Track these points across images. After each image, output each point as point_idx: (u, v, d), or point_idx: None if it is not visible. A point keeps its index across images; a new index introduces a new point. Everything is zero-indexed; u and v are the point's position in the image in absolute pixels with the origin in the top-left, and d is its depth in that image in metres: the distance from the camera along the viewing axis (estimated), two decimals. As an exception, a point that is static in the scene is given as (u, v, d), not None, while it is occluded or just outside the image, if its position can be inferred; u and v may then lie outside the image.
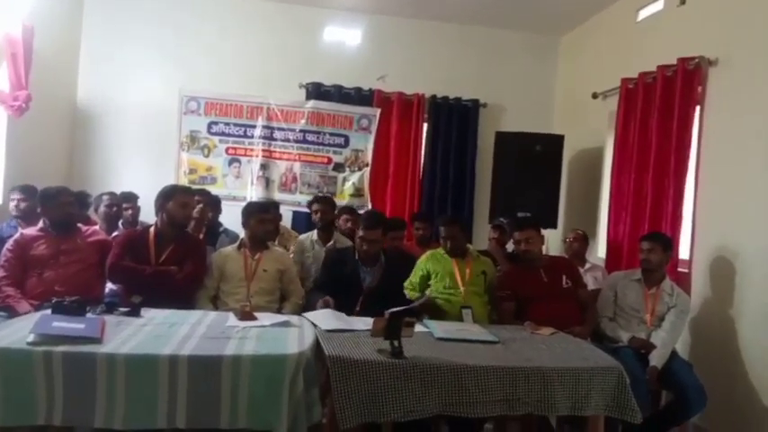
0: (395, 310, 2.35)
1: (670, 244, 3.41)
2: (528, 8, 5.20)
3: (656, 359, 3.05)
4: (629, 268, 3.69)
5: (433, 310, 3.22)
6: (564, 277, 3.39)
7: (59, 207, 3.16)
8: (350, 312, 3.03)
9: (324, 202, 4.30)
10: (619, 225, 4.30)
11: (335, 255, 3.62)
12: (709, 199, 3.64)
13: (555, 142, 4.91)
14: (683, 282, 3.58)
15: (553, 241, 4.85)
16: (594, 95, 4.94)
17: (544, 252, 3.85)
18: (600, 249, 4.73)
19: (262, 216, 3.41)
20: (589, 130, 5.14)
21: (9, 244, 3.08)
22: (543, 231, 3.70)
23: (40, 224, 3.19)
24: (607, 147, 4.84)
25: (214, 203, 4.16)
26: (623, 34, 4.76)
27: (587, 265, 4.20)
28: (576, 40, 5.61)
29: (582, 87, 5.21)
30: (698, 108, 3.79)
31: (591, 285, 3.84)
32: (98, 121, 5.25)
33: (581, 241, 4.26)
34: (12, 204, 3.75)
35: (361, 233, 3.38)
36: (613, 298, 3.39)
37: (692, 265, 3.66)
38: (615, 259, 4.29)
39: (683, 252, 3.77)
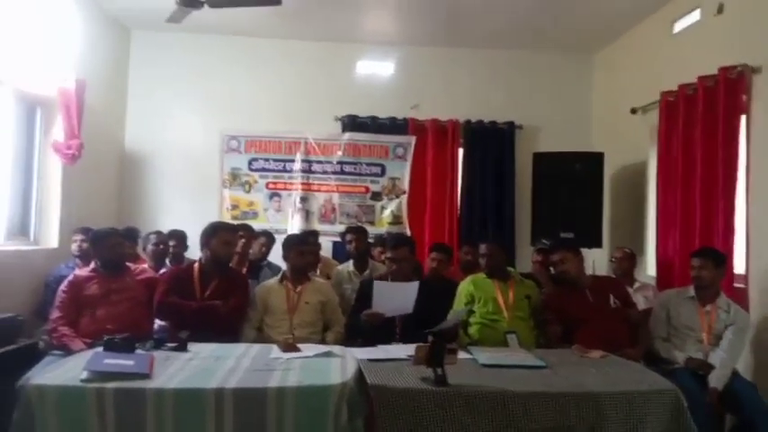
0: (428, 331, 2.33)
1: (723, 259, 3.27)
2: (558, 28, 5.18)
3: (716, 380, 2.89)
4: (681, 286, 3.54)
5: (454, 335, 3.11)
6: (611, 297, 3.28)
7: (109, 248, 3.30)
8: (389, 341, 3.01)
9: (356, 231, 4.35)
10: (668, 242, 4.15)
11: (370, 282, 3.61)
12: (762, 210, 3.48)
13: (595, 160, 4.82)
14: (741, 298, 3.41)
15: (600, 260, 4.71)
16: (633, 110, 4.84)
17: (591, 272, 3.75)
18: (649, 267, 4.57)
19: (300, 248, 3.48)
20: (630, 146, 5.03)
21: (64, 285, 3.22)
22: (589, 251, 3.61)
23: (92, 265, 3.32)
24: (650, 162, 4.72)
25: (267, 239, 4.29)
26: (659, 47, 4.68)
27: (636, 284, 4.06)
28: (611, 56, 5.55)
29: (620, 103, 5.12)
30: (743, 117, 3.66)
31: (641, 305, 3.71)
32: (145, 164, 5.50)
33: (628, 260, 4.13)
34: (74, 246, 3.96)
35: (387, 254, 3.43)
36: (666, 317, 3.26)
37: (749, 281, 3.49)
38: (666, 277, 4.13)
39: (739, 267, 3.60)
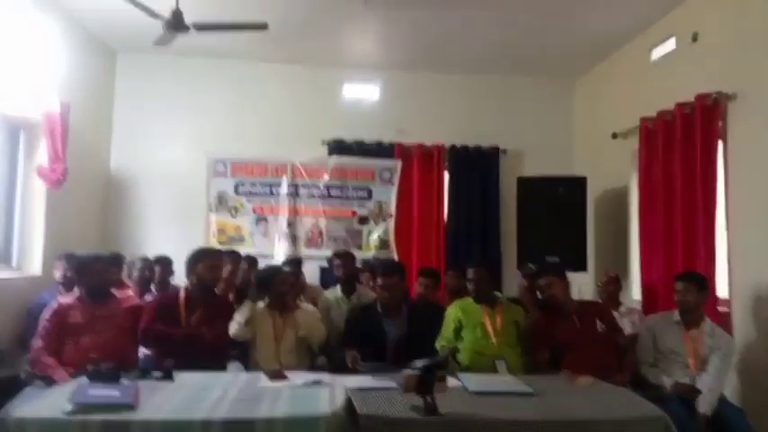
0: (419, 362, 2.31)
1: (705, 283, 3.32)
2: (540, 54, 5.31)
3: (705, 405, 2.92)
4: (666, 310, 3.58)
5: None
6: (598, 322, 3.30)
7: (94, 275, 3.23)
8: (376, 368, 2.99)
9: (344, 256, 4.33)
10: (651, 266, 4.21)
11: (358, 311, 3.60)
12: (742, 234, 3.56)
13: (578, 184, 4.90)
14: (724, 322, 3.46)
15: (585, 285, 4.76)
16: (614, 135, 4.95)
17: (577, 297, 3.78)
18: (635, 291, 4.62)
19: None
20: (612, 171, 5.13)
21: (47, 313, 3.15)
22: (574, 275, 3.64)
23: (76, 292, 3.27)
24: (632, 186, 4.81)
25: (251, 264, 4.24)
26: (638, 74, 4.81)
27: (622, 309, 4.09)
28: (592, 82, 5.68)
29: (601, 128, 5.23)
30: (720, 143, 3.76)
31: (628, 330, 3.73)
32: (130, 188, 5.46)
33: (614, 284, 4.18)
34: (57, 273, 3.88)
35: (378, 281, 3.41)
36: (652, 342, 3.29)
37: (732, 304, 3.54)
38: (651, 301, 4.18)
39: (722, 290, 3.66)
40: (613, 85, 5.26)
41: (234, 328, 3.20)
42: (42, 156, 4.19)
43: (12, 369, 3.15)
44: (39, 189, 4.27)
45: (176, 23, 3.89)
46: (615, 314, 3.78)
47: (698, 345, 3.16)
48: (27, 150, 4.31)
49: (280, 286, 3.34)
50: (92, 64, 5.09)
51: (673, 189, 4.00)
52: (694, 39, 4.06)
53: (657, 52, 4.55)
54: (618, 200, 5.06)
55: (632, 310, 4.16)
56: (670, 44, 4.39)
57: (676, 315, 3.28)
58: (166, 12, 3.84)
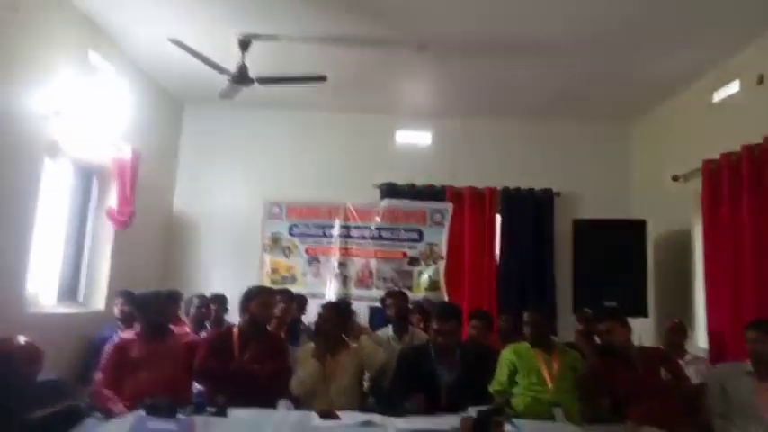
0: (476, 408, 2.25)
1: (779, 331, 3.10)
2: (597, 99, 5.30)
3: (783, 463, 2.68)
4: (735, 359, 3.36)
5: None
6: (662, 370, 3.13)
7: (152, 312, 3.36)
8: (430, 412, 2.92)
9: (396, 296, 4.30)
10: (719, 312, 3.98)
11: (410, 353, 3.46)
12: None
13: (637, 227, 4.75)
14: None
15: (646, 331, 4.54)
16: (675, 178, 4.80)
17: (637, 344, 3.61)
18: (700, 339, 4.37)
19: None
20: (673, 214, 4.95)
21: (109, 348, 3.28)
22: (634, 321, 3.49)
23: (136, 328, 3.39)
24: (694, 229, 4.62)
25: (300, 303, 4.28)
26: (699, 116, 4.70)
27: (688, 357, 3.87)
28: (650, 125, 5.58)
29: (660, 171, 5.10)
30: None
31: (694, 379, 3.51)
32: (191, 230, 5.71)
33: (678, 331, 3.97)
34: (116, 309, 4.04)
35: (434, 325, 3.29)
36: (721, 393, 3.07)
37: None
38: (719, 350, 3.93)
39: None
40: (673, 127, 5.15)
41: (295, 384, 3.20)
42: (112, 199, 4.45)
43: (73, 400, 3.26)
44: (107, 229, 4.52)
45: (241, 77, 4.13)
46: (680, 363, 3.57)
47: (774, 398, 2.93)
48: (98, 193, 4.60)
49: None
50: (160, 114, 5.44)
51: (741, 232, 3.81)
52: (760, 81, 3.94)
53: (720, 94, 4.43)
54: (679, 244, 4.86)
55: (698, 358, 3.93)
56: (734, 86, 4.28)
57: (748, 365, 3.07)
58: (232, 67, 4.08)
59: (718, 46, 4.18)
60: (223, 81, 4.21)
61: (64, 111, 3.76)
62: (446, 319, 3.28)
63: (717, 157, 4.16)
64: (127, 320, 3.89)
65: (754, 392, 2.98)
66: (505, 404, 3.09)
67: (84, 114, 4.04)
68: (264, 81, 4.20)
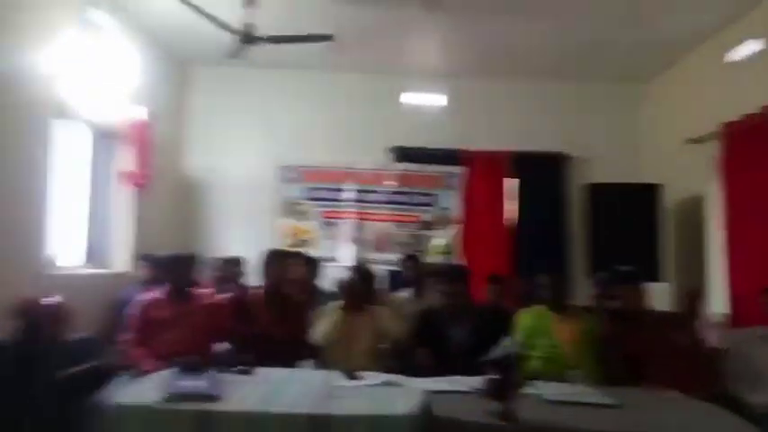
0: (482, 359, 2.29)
1: (798, 296, 3.12)
2: (609, 59, 5.20)
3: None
4: (757, 324, 3.38)
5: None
6: (679, 334, 3.17)
7: (175, 274, 3.41)
8: (442, 371, 2.99)
9: (413, 259, 4.38)
10: (738, 276, 3.99)
11: (423, 314, 3.58)
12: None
13: (651, 191, 4.73)
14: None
15: (662, 295, 4.57)
16: (689, 141, 4.74)
17: (651, 307, 3.64)
18: (716, 304, 4.40)
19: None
20: (687, 178, 4.91)
21: (134, 308, 3.34)
22: (648, 285, 3.51)
23: (162, 288, 3.45)
24: (709, 193, 4.59)
25: (313, 266, 4.33)
26: (714, 77, 4.60)
27: (705, 322, 3.90)
28: (663, 86, 5.48)
29: (674, 134, 5.02)
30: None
31: (711, 344, 3.55)
32: (203, 193, 5.74)
33: (696, 296, 3.99)
34: (142, 272, 4.13)
35: (442, 287, 3.38)
36: (742, 357, 3.11)
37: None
38: (741, 314, 3.96)
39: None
40: (686, 89, 5.05)
41: (318, 335, 3.28)
42: (128, 161, 4.46)
43: (101, 358, 3.35)
44: (126, 192, 4.54)
45: (248, 36, 4.06)
46: (697, 327, 3.61)
47: (793, 362, 2.97)
48: (116, 156, 4.59)
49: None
50: (167, 75, 5.38)
51: (761, 195, 3.78)
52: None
53: (737, 53, 4.32)
54: (693, 208, 4.84)
55: (715, 323, 3.96)
56: (752, 45, 4.15)
57: (767, 330, 3.10)
58: (239, 25, 4.01)
59: (733, 2, 4.05)
60: (230, 40, 4.14)
61: (70, 71, 3.73)
62: (453, 281, 3.39)
63: (732, 119, 4.08)
64: (151, 284, 3.94)
65: (772, 356, 3.02)
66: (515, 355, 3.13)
67: (91, 75, 3.99)
68: (271, 40, 4.12)
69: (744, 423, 2.31)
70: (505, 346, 3.00)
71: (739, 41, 4.26)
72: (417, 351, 3.18)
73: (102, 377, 3.01)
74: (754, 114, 3.95)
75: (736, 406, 2.92)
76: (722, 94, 4.46)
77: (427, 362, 3.11)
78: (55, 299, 2.85)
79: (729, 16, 4.26)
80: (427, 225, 5.36)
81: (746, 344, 3.13)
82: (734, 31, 4.33)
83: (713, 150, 4.36)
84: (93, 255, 4.38)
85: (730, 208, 4.13)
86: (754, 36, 4.11)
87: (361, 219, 5.26)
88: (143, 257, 4.15)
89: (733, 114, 4.09)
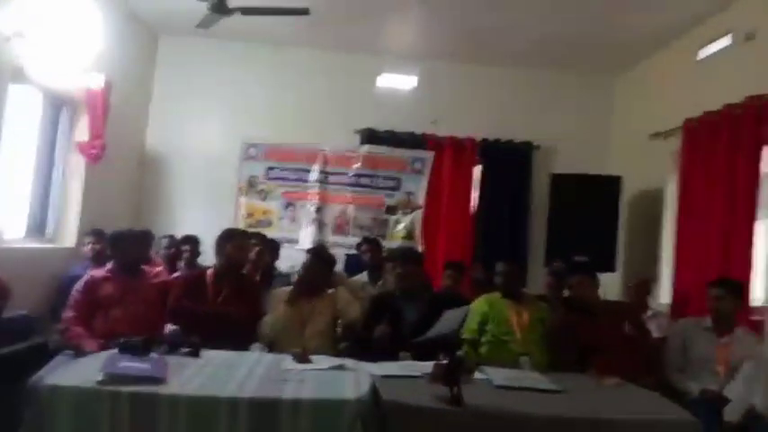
0: (419, 340, 2.30)
1: (741, 290, 3.23)
2: (581, 49, 5.22)
3: (732, 414, 2.82)
4: (697, 315, 3.50)
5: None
6: (626, 324, 3.24)
7: (126, 250, 3.30)
8: (393, 351, 3.00)
9: (372, 242, 4.38)
10: (684, 269, 4.12)
11: (378, 296, 3.62)
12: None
13: (612, 183, 4.81)
14: (758, 330, 3.35)
15: (612, 286, 4.68)
16: (654, 135, 4.82)
17: (603, 297, 3.72)
18: (663, 295, 4.52)
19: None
20: (648, 171, 5.01)
21: (79, 285, 3.22)
22: (602, 275, 3.58)
23: (108, 265, 3.33)
24: (668, 188, 4.69)
25: (272, 248, 4.26)
26: (684, 73, 4.68)
27: (650, 312, 4.01)
28: (633, 80, 5.55)
29: (640, 127, 5.11)
30: (766, 148, 3.64)
31: (655, 333, 3.66)
32: (164, 168, 5.56)
33: (643, 287, 4.09)
34: (87, 248, 3.95)
35: (397, 269, 3.40)
36: (681, 347, 3.22)
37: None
38: (681, 306, 4.09)
39: (756, 299, 3.56)
40: (656, 83, 5.13)
41: (267, 326, 3.23)
42: (82, 131, 4.27)
43: (42, 337, 3.23)
44: (77, 163, 4.36)
45: (220, 6, 3.92)
46: (643, 317, 3.71)
47: (728, 352, 3.07)
48: (69, 125, 4.40)
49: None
50: (134, 44, 5.17)
51: (713, 192, 3.89)
52: (749, 38, 3.90)
53: (706, 51, 4.38)
54: (652, 201, 4.95)
55: (659, 313, 4.08)
56: (721, 42, 4.21)
57: (708, 321, 3.21)
58: (211, -5, 3.87)
59: (706, 1, 4.10)
60: (201, 10, 4.00)
61: (29, 33, 3.53)
62: (405, 263, 3.41)
63: (699, 115, 4.17)
64: (98, 260, 3.81)
65: (712, 346, 3.12)
66: (470, 354, 3.20)
67: (52, 38, 3.80)
68: (245, 11, 4.00)
69: (680, 409, 2.38)
70: (446, 319, 3.06)
71: (709, 40, 4.33)
72: (376, 328, 3.16)
73: (40, 357, 2.89)
74: (713, 112, 4.03)
75: (674, 393, 3.04)
76: (689, 90, 4.54)
77: (384, 339, 3.11)
78: (-9, 273, 2.71)
79: (700, 15, 4.32)
80: (391, 209, 5.32)
81: (688, 334, 3.23)
82: (704, 29, 4.40)
83: (675, 146, 4.44)
84: (37, 228, 4.20)
85: (683, 202, 4.23)
86: (723, 35, 4.18)
87: (323, 201, 5.19)
88: (91, 233, 3.99)
89: (698, 111, 4.17)
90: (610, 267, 4.66)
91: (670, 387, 3.11)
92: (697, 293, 3.87)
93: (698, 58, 4.47)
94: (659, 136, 4.79)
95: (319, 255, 3.58)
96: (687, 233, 4.13)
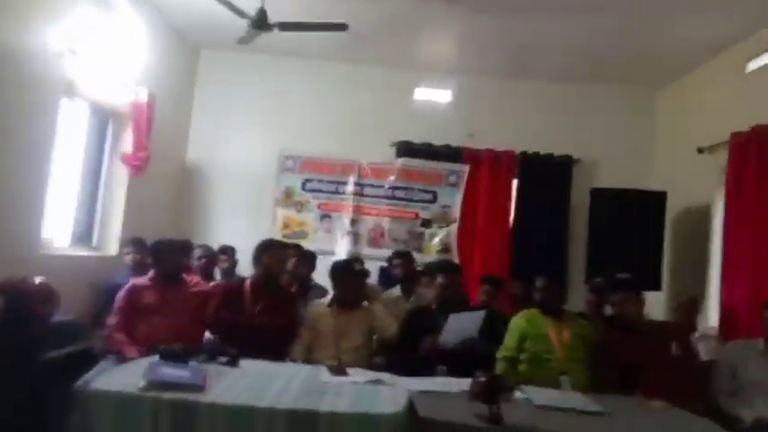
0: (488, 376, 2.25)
1: (797, 311, 3.06)
2: (624, 63, 5.12)
3: (789, 444, 2.69)
4: (747, 338, 3.34)
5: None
6: (673, 345, 3.12)
7: (169, 259, 3.37)
8: (431, 369, 2.95)
9: (404, 256, 4.37)
10: (734, 289, 3.93)
11: (414, 311, 3.60)
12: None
13: (656, 199, 4.67)
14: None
15: (657, 305, 4.52)
16: (700, 150, 4.67)
17: (647, 317, 3.59)
18: (711, 316, 4.34)
19: (347, 276, 3.48)
20: (694, 187, 4.84)
21: (122, 293, 3.29)
22: (646, 294, 3.46)
23: (150, 274, 3.40)
24: (716, 204, 4.53)
25: (309, 259, 4.28)
26: (730, 86, 4.53)
27: (698, 333, 3.85)
28: (677, 93, 5.40)
29: (685, 142, 4.95)
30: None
31: (703, 355, 3.50)
32: (203, 179, 5.66)
33: (691, 307, 3.94)
34: (127, 257, 4.03)
35: (439, 279, 3.41)
36: (732, 371, 3.07)
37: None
38: (730, 327, 3.91)
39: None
40: (701, 96, 4.97)
41: (296, 354, 3.24)
42: (127, 143, 4.40)
43: (87, 343, 3.31)
44: (121, 174, 4.49)
45: (261, 22, 4.01)
46: (691, 338, 3.56)
47: (785, 378, 2.92)
48: (114, 137, 4.54)
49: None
50: (176, 58, 5.31)
51: (763, 208, 3.72)
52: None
53: (753, 65, 4.25)
54: (699, 218, 4.77)
55: (708, 335, 3.91)
56: (765, 58, 4.09)
57: (761, 344, 3.06)
58: (252, 10, 3.95)
59: (754, 13, 3.98)
60: (242, 26, 4.09)
61: (80, 49, 3.67)
62: (450, 273, 3.44)
63: (747, 129, 4.02)
64: (138, 269, 3.89)
65: (766, 371, 2.97)
66: (509, 372, 3.13)
67: (101, 54, 3.94)
68: (284, 27, 4.07)
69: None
70: (459, 326, 3.04)
71: (756, 53, 4.19)
72: (423, 339, 3.16)
73: (85, 362, 2.96)
74: (761, 125, 3.89)
75: (724, 419, 2.89)
76: (737, 104, 4.39)
77: (430, 351, 3.10)
78: (40, 279, 2.79)
79: (747, 29, 4.19)
80: (426, 222, 5.30)
81: (738, 357, 3.08)
82: (750, 42, 4.27)
83: (722, 161, 4.29)
84: (83, 237, 4.32)
85: (731, 218, 4.07)
86: (770, 49, 4.05)
87: (359, 213, 5.21)
88: (130, 242, 4.06)
89: (745, 125, 4.03)
90: (655, 286, 4.50)
91: (720, 413, 2.97)
92: (747, 314, 3.72)
93: (745, 71, 4.32)
94: (705, 150, 4.63)
95: (350, 270, 3.59)
96: (736, 251, 3.96)
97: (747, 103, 4.25)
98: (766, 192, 3.76)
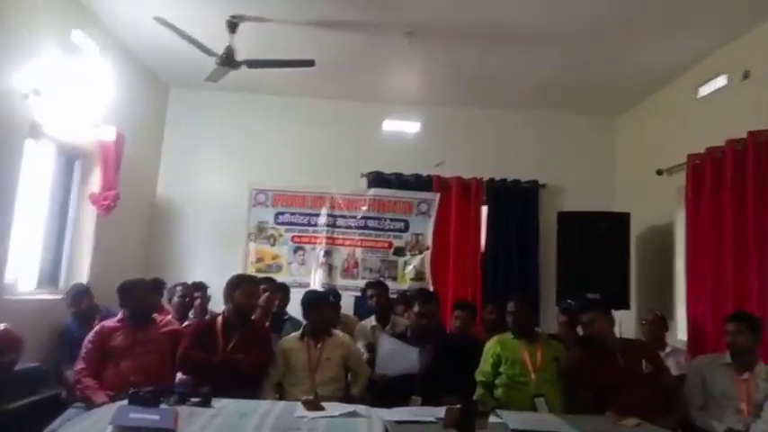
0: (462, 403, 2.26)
1: (759, 325, 3.16)
2: (582, 91, 5.32)
3: (760, 454, 2.74)
4: (715, 351, 3.43)
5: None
6: (643, 362, 3.17)
7: (138, 299, 3.32)
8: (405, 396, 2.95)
9: (377, 286, 4.37)
10: (699, 305, 4.05)
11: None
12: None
13: (621, 220, 4.80)
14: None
15: (627, 323, 4.60)
16: (659, 172, 4.84)
17: (618, 335, 3.66)
18: (680, 332, 4.44)
19: (321, 307, 3.47)
20: (656, 207, 5.01)
21: (90, 335, 3.21)
22: (615, 313, 3.53)
23: (119, 315, 3.34)
24: (677, 223, 4.68)
25: (282, 292, 4.26)
26: (685, 111, 4.74)
27: (668, 349, 3.93)
28: (635, 118, 5.61)
29: (645, 164, 5.13)
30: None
31: (673, 371, 3.58)
32: (174, 216, 5.63)
33: (660, 323, 4.03)
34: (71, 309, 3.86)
35: (416, 308, 3.36)
36: (701, 385, 3.13)
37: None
38: (698, 342, 4.00)
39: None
40: (658, 121, 5.18)
41: (268, 393, 3.21)
42: (95, 182, 4.36)
43: (54, 390, 3.21)
44: (89, 214, 4.43)
45: (228, 60, 4.07)
46: (660, 354, 3.63)
47: (751, 389, 2.99)
48: (81, 176, 4.49)
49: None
50: (145, 96, 5.32)
51: (722, 227, 3.87)
52: (745, 76, 3.97)
53: (705, 89, 4.46)
54: (662, 237, 4.92)
55: (677, 350, 4.00)
56: (719, 81, 4.29)
57: (727, 357, 3.13)
58: (219, 49, 4.01)
59: (704, 40, 4.20)
60: (210, 63, 4.14)
61: (45, 90, 3.65)
62: (428, 302, 3.39)
63: (702, 151, 4.20)
64: (84, 317, 3.77)
65: (733, 383, 3.04)
66: (486, 397, 3.15)
67: (67, 94, 3.92)
68: (252, 64, 4.14)
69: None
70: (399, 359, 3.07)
71: (709, 78, 4.40)
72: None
73: (51, 409, 2.88)
74: (716, 147, 4.06)
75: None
76: (692, 127, 4.58)
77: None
78: (3, 326, 2.72)
79: (700, 53, 4.40)
80: (399, 251, 5.33)
81: (706, 371, 3.15)
82: (704, 67, 4.48)
83: (681, 181, 4.45)
84: (49, 280, 4.23)
85: (692, 237, 4.20)
86: (723, 72, 4.25)
87: (332, 244, 5.21)
88: (70, 292, 3.90)
89: (701, 147, 4.20)
90: (624, 304, 4.59)
91: (692, 426, 3.03)
92: (712, 328, 3.81)
93: (698, 96, 4.53)
94: (664, 172, 4.80)
95: (323, 301, 3.59)
96: (699, 268, 4.09)
97: (701, 126, 4.44)
98: (723, 209, 3.91)
